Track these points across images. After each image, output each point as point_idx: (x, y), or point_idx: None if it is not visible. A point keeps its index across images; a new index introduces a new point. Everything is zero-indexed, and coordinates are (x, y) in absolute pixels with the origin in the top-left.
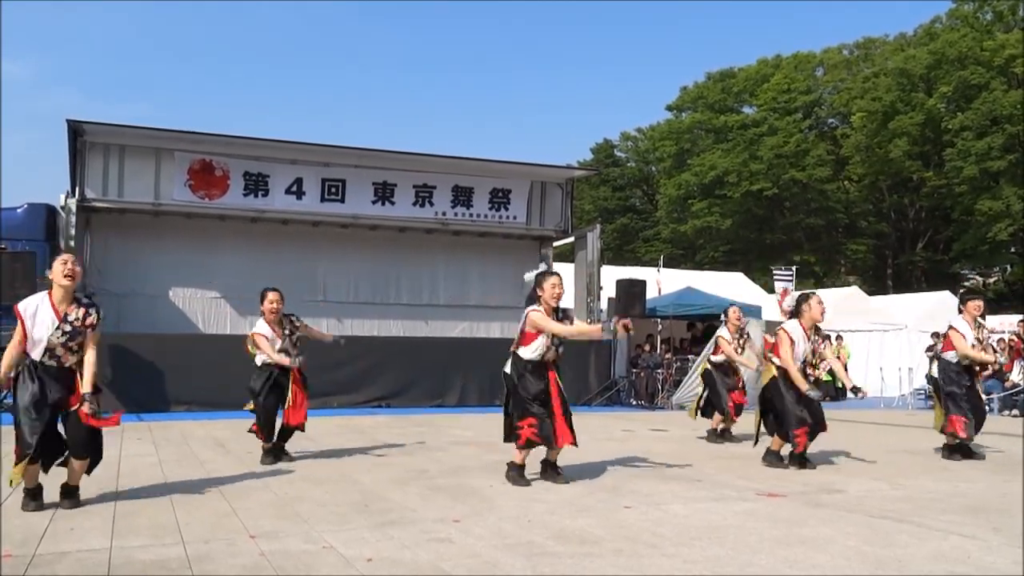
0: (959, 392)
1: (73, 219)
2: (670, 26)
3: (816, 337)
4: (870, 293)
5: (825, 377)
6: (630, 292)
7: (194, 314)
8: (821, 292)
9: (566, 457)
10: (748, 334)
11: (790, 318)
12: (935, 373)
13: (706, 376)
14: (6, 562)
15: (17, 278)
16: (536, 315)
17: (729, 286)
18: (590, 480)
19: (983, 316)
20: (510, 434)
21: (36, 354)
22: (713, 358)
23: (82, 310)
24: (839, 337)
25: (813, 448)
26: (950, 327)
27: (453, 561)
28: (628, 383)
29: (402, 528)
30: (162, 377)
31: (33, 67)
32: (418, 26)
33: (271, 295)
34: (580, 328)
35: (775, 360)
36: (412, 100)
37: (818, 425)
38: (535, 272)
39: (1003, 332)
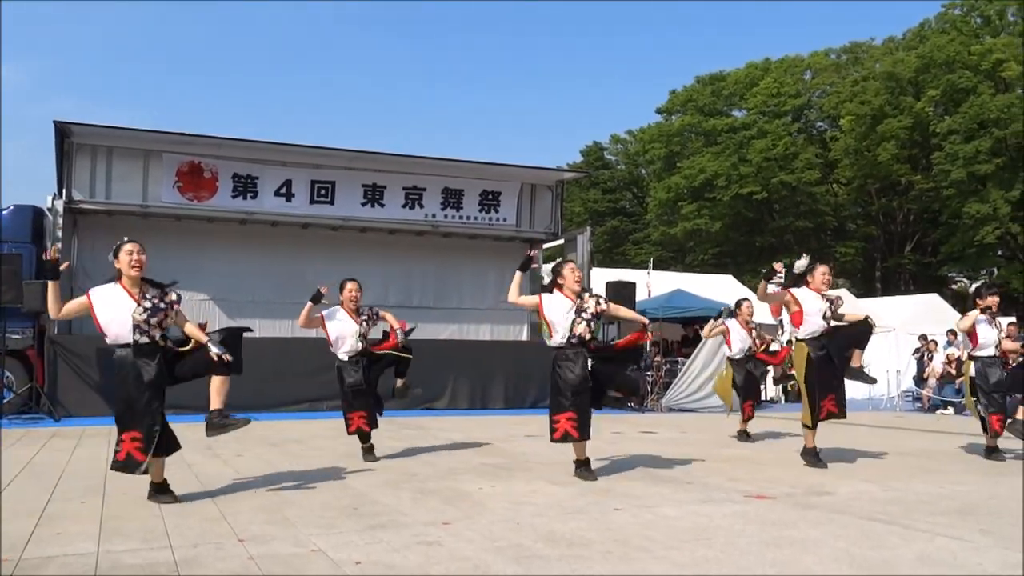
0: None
1: (60, 221)
2: (659, 30)
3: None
4: (858, 296)
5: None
6: (620, 294)
7: None
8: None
9: (554, 459)
10: (758, 327)
11: (795, 285)
12: (972, 372)
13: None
14: None
15: (3, 280)
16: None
17: (719, 288)
18: (580, 482)
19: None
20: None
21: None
22: (730, 355)
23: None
24: None
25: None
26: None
27: (443, 564)
28: None
29: (392, 531)
30: None
31: (27, 72)
32: (408, 29)
33: (350, 284)
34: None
35: (801, 336)
36: (402, 102)
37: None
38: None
39: None
